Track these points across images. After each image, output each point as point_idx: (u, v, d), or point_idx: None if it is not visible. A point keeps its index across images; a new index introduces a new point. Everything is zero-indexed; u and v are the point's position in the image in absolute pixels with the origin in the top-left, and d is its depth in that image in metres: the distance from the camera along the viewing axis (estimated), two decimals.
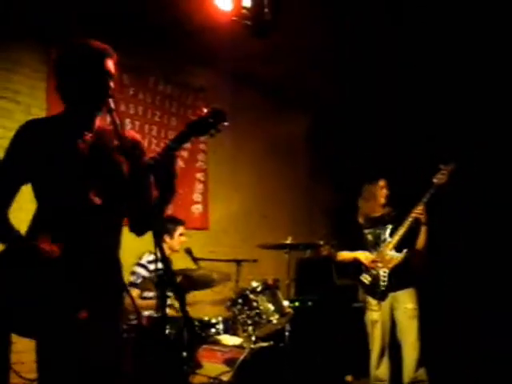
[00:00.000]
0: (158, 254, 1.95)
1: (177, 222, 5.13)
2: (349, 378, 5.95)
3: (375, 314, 4.82)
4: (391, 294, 4.76)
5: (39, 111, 5.07)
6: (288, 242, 4.90)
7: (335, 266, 6.71)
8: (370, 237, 4.94)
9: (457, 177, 4.66)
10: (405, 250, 4.70)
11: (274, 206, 7.36)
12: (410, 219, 4.65)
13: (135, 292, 4.72)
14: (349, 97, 7.29)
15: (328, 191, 7.68)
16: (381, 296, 4.81)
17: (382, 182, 5.01)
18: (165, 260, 1.96)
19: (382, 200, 4.96)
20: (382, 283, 4.78)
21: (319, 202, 7.89)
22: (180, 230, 5.10)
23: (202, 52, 6.10)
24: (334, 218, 7.64)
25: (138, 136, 2.57)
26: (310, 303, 6.15)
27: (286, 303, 4.44)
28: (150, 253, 5.00)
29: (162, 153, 2.23)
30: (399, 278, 4.74)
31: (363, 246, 4.93)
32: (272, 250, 5.34)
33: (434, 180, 4.66)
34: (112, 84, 2.30)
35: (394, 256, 4.73)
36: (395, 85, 6.71)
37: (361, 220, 5.05)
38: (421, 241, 4.71)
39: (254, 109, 7.16)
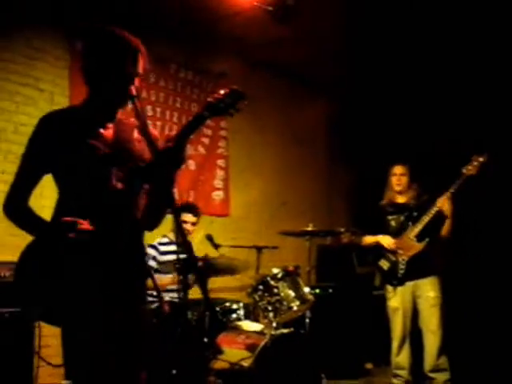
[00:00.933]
0: (180, 240, 1.95)
1: (181, 209, 5.12)
2: (369, 365, 5.95)
3: (396, 301, 4.81)
4: (413, 282, 4.74)
5: (62, 98, 5.11)
6: (309, 228, 4.89)
7: (356, 254, 6.70)
8: (393, 223, 4.91)
9: (488, 169, 4.55)
10: (426, 239, 4.66)
11: (294, 192, 7.34)
12: (435, 209, 4.59)
13: None
14: (371, 82, 7.21)
15: (349, 177, 7.64)
16: (397, 283, 4.80)
17: (395, 169, 4.94)
18: (187, 245, 1.95)
19: (397, 188, 4.90)
20: (399, 270, 4.76)
21: (340, 189, 7.85)
22: (183, 217, 5.03)
23: (223, 38, 6.09)
24: (355, 204, 7.61)
25: (155, 131, 2.55)
26: (330, 290, 6.15)
27: (306, 290, 4.43)
28: (164, 236, 5.15)
29: (175, 142, 2.20)
30: (419, 266, 4.71)
31: (386, 232, 4.91)
32: (292, 237, 5.34)
33: (464, 170, 4.55)
34: (138, 82, 2.29)
35: (414, 244, 4.70)
36: (421, 67, 6.61)
37: (384, 206, 5.02)
38: (444, 232, 4.67)
39: (274, 95, 7.13)
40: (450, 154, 5.91)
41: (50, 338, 4.70)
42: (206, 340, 4.07)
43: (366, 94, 7.50)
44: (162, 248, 5.06)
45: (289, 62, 6.81)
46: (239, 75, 6.65)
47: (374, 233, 4.95)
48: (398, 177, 4.90)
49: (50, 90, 5.08)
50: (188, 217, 5.05)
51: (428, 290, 4.70)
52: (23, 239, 2.40)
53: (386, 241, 4.82)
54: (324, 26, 5.87)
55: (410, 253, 4.71)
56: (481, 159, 4.53)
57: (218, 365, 4.00)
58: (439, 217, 4.61)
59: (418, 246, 4.68)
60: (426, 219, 4.64)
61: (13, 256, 2.54)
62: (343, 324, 5.87)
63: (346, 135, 7.90)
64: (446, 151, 6.43)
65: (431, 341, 4.68)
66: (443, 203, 4.56)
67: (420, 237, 4.69)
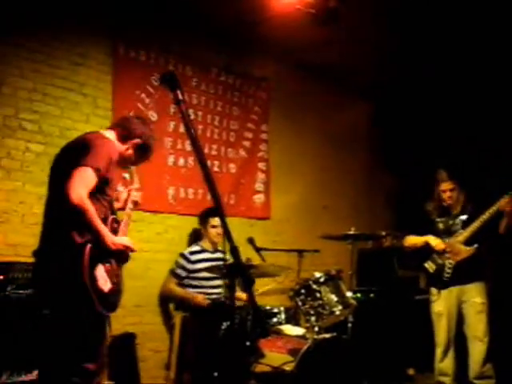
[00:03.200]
0: (228, 245, 1.97)
1: (207, 214, 5.25)
2: (411, 371, 5.86)
3: (440, 305, 4.75)
4: (458, 287, 4.67)
5: (105, 103, 5.18)
6: (351, 232, 4.85)
7: (397, 257, 6.62)
8: (441, 225, 4.84)
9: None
10: (475, 245, 4.58)
11: (335, 195, 7.30)
12: (488, 214, 4.49)
13: (173, 282, 5.17)
14: (413, 85, 7.13)
15: (390, 181, 7.55)
16: (442, 286, 4.74)
17: (443, 186, 4.84)
18: (234, 251, 1.96)
19: (448, 201, 4.82)
20: (445, 274, 4.70)
21: (381, 192, 7.76)
22: (212, 221, 5.19)
23: (264, 41, 6.09)
24: (397, 207, 7.53)
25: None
26: (372, 295, 6.09)
27: (349, 294, 4.40)
28: (196, 244, 5.33)
29: None
30: (465, 271, 4.64)
31: (433, 234, 4.83)
32: (333, 241, 5.30)
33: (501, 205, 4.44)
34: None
35: (463, 249, 4.62)
36: (464, 68, 6.50)
37: (431, 208, 4.93)
38: (502, 231, 4.54)
39: (315, 98, 7.11)
40: (494, 159, 5.80)
41: None
42: (248, 343, 4.07)
43: (407, 97, 7.43)
44: (194, 257, 5.19)
45: (330, 65, 6.78)
46: (280, 79, 6.67)
47: (420, 235, 4.88)
48: (448, 193, 4.81)
49: (94, 95, 5.15)
50: (216, 220, 5.14)
51: (474, 296, 4.63)
52: None
53: (436, 241, 4.75)
54: (365, 28, 5.83)
55: (458, 257, 4.63)
56: None
57: (260, 368, 4.00)
58: (490, 223, 4.51)
59: (467, 251, 4.60)
60: (477, 224, 4.56)
61: None
62: (385, 329, 5.80)
63: (387, 138, 7.83)
64: (490, 156, 6.32)
65: (477, 348, 4.60)
66: (507, 205, 4.45)
67: (469, 242, 4.61)
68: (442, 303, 4.77)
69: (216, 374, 4.17)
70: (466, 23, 5.67)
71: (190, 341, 4.73)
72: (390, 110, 7.76)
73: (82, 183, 2.74)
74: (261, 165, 6.51)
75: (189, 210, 5.59)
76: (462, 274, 4.65)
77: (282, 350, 4.06)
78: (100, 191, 2.92)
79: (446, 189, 4.83)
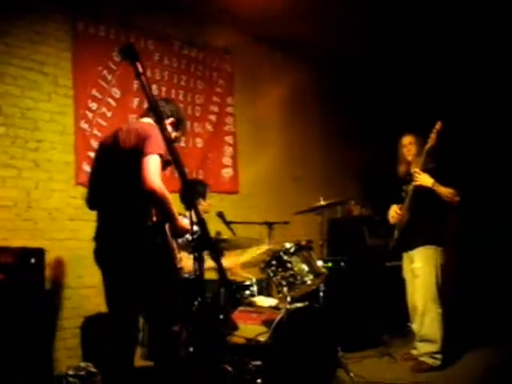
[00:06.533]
0: (193, 218, 1.95)
1: (207, 184, 5.10)
2: (384, 336, 5.94)
3: (404, 271, 4.85)
4: (409, 253, 4.75)
5: (66, 81, 5.09)
6: (320, 203, 4.87)
7: (367, 226, 6.68)
8: (403, 193, 4.86)
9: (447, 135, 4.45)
10: (410, 212, 4.65)
11: (304, 167, 7.31)
12: (413, 184, 4.59)
13: None
14: (376, 53, 7.14)
15: (359, 151, 7.58)
16: (396, 253, 4.86)
17: (403, 140, 4.89)
18: (201, 222, 1.95)
19: (408, 157, 4.85)
20: (392, 242, 4.80)
21: (350, 162, 7.78)
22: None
23: (227, 14, 6.02)
24: (366, 177, 7.58)
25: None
26: (342, 263, 6.14)
27: (319, 264, 4.43)
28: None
29: None
30: (409, 238, 4.72)
31: (399, 202, 4.88)
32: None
33: (425, 146, 4.54)
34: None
35: (406, 216, 4.68)
36: (420, 40, 6.56)
37: (399, 175, 4.98)
38: (443, 198, 4.58)
39: (279, 69, 7.07)
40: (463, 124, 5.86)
41: (65, 321, 4.77)
42: (221, 317, 4.08)
43: (379, 68, 7.44)
44: None
45: (292, 36, 6.73)
46: (243, 51, 6.61)
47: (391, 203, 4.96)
48: (408, 147, 4.85)
49: (54, 73, 5.04)
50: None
51: (414, 261, 4.71)
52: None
53: (389, 214, 4.84)
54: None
55: (401, 225, 4.71)
56: (436, 129, 4.47)
57: (235, 341, 4.01)
58: (423, 190, 4.57)
59: (406, 218, 4.67)
60: (409, 192, 4.62)
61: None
62: (356, 296, 5.87)
63: (357, 109, 7.83)
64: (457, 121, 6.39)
65: (415, 312, 4.70)
66: (420, 180, 4.54)
67: (410, 209, 4.68)
68: (404, 269, 4.88)
69: (191, 349, 4.17)
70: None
71: None
72: (361, 82, 7.77)
73: (156, 170, 2.88)
74: (228, 138, 6.47)
75: None
76: (407, 240, 4.74)
77: (255, 321, 4.08)
78: None
79: (406, 143, 4.87)
